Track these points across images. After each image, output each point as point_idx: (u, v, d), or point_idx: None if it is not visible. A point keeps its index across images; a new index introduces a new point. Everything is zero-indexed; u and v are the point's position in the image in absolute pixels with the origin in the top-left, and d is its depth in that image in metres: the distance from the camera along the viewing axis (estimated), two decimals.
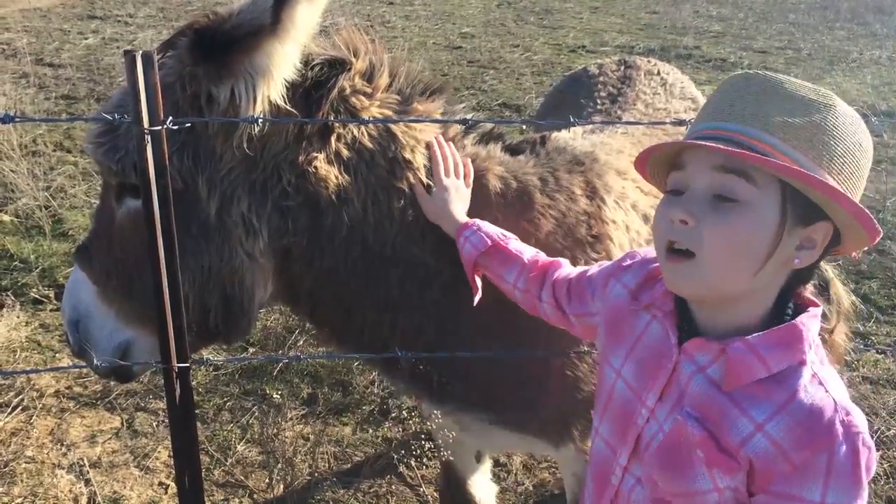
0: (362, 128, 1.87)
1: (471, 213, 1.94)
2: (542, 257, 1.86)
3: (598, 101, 3.04)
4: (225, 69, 1.67)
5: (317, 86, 1.81)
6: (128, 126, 1.67)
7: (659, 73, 3.30)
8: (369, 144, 1.88)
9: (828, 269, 1.38)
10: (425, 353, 2.00)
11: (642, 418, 1.39)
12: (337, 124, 1.84)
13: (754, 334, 1.26)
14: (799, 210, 1.23)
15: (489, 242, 1.84)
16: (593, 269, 1.72)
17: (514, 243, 1.88)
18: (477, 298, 1.89)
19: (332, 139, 1.84)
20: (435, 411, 2.23)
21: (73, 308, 1.93)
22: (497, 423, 2.12)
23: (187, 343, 1.83)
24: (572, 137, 2.33)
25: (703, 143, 1.23)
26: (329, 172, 1.83)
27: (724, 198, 1.23)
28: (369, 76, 1.90)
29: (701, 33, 12.41)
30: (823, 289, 1.38)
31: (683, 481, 1.29)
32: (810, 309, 1.31)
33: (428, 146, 1.95)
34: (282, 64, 1.68)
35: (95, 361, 1.88)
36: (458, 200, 1.92)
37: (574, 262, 1.92)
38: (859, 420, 1.21)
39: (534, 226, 2.01)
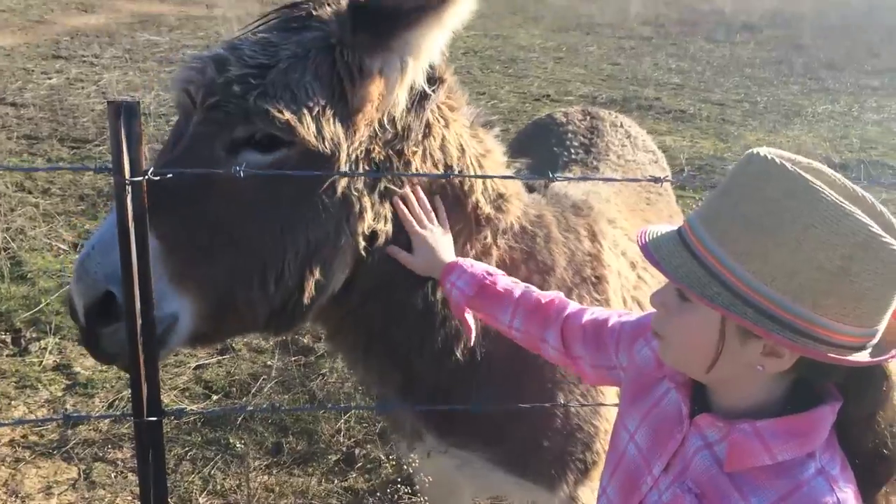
0: (452, 132, 1.92)
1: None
2: (534, 291, 1.82)
3: (573, 151, 3.12)
4: (383, 41, 1.68)
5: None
6: (288, 62, 1.67)
7: (622, 126, 3.40)
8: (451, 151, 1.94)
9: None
10: (446, 377, 2.00)
11: (647, 486, 1.38)
12: (434, 123, 1.88)
13: (765, 420, 1.23)
14: (740, 327, 1.19)
15: (475, 286, 1.82)
16: (612, 319, 1.69)
17: (502, 280, 1.85)
18: (472, 338, 1.90)
19: (431, 138, 1.88)
20: (420, 451, 2.21)
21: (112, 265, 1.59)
22: (496, 462, 2.11)
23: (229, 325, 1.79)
24: (566, 184, 2.43)
25: (659, 266, 1.25)
26: (421, 168, 1.88)
27: (684, 296, 1.26)
28: (451, 92, 1.96)
29: (661, 85, 12.68)
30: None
31: None
32: (831, 402, 1.24)
33: (393, 204, 1.87)
34: (433, 47, 1.71)
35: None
36: (442, 247, 1.88)
37: (581, 302, 1.94)
38: None
39: (552, 258, 2.06)
